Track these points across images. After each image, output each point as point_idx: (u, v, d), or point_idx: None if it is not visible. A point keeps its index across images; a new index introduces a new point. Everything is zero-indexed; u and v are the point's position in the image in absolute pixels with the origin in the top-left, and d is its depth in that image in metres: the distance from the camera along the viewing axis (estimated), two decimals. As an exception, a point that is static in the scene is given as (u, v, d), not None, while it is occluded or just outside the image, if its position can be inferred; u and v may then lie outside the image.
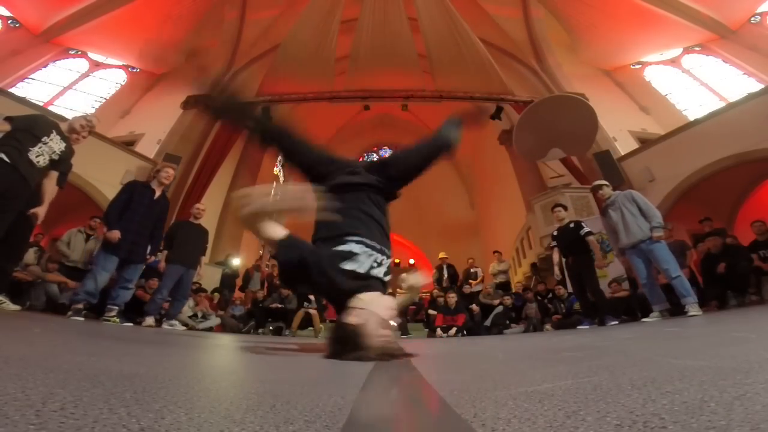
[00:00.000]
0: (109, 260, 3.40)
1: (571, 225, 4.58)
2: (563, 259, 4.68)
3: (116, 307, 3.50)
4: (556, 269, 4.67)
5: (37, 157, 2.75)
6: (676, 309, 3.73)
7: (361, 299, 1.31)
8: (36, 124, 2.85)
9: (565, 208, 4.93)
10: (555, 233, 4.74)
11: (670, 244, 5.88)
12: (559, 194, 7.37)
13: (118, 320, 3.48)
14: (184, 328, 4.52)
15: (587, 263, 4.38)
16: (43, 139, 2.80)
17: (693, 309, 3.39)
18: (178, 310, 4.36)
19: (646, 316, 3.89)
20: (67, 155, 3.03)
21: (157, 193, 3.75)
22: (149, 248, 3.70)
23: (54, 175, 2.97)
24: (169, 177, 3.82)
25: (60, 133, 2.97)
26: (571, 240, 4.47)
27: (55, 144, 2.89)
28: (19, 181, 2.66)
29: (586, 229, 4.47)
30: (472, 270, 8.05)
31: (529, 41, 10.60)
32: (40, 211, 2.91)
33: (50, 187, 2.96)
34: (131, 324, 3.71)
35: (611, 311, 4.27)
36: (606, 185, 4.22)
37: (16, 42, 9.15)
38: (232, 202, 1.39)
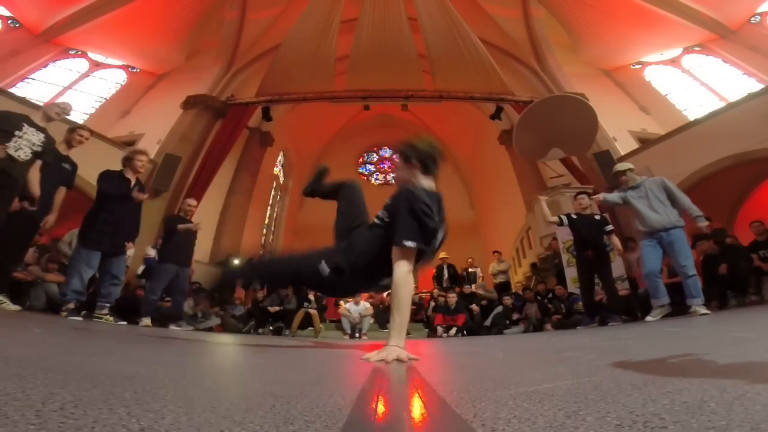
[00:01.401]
0: (92, 256, 3.29)
1: (597, 217, 4.38)
2: (580, 254, 4.48)
3: (108, 305, 3.42)
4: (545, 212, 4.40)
5: (16, 151, 2.69)
6: (680, 308, 3.67)
7: None
8: (2, 120, 2.76)
9: (590, 195, 4.61)
10: (573, 216, 4.42)
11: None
12: (559, 194, 7.38)
13: (111, 319, 3.42)
14: (191, 328, 4.46)
15: (607, 260, 4.27)
16: (16, 133, 2.73)
17: (701, 309, 3.29)
18: (181, 308, 4.28)
19: (647, 315, 3.88)
20: (48, 145, 2.97)
21: (132, 182, 3.61)
22: (129, 237, 3.62)
23: (38, 164, 2.92)
24: (144, 165, 3.71)
25: (33, 124, 2.89)
26: (592, 233, 4.27)
27: (32, 136, 2.82)
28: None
29: (611, 227, 4.31)
30: (470, 270, 8.00)
31: (529, 41, 10.60)
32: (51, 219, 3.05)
33: (34, 177, 2.90)
34: (125, 323, 3.67)
35: (618, 312, 4.20)
36: (631, 170, 3.96)
37: (16, 42, 9.14)
38: None
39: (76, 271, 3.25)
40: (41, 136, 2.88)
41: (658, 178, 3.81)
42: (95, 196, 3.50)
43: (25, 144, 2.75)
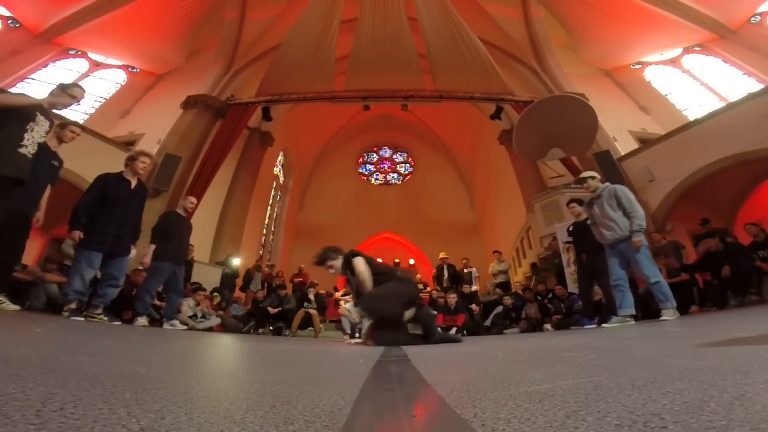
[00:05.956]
0: (93, 257, 3.26)
1: (589, 222, 4.48)
2: (577, 258, 4.54)
3: (102, 304, 3.39)
4: (572, 265, 4.61)
5: (27, 148, 2.46)
6: (656, 315, 3.58)
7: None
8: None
9: (581, 203, 4.58)
10: (571, 228, 4.54)
11: (664, 246, 5.86)
12: (559, 194, 7.37)
13: (105, 318, 3.39)
14: (185, 327, 4.47)
15: (603, 263, 4.29)
16: (28, 127, 2.48)
17: (666, 314, 3.20)
18: (175, 308, 4.26)
19: (647, 315, 3.86)
20: (46, 133, 2.71)
21: (134, 183, 3.53)
22: (132, 239, 3.57)
23: None
24: (146, 167, 3.61)
25: (43, 111, 2.63)
26: (588, 238, 4.24)
27: (41, 127, 2.58)
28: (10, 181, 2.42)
29: None
30: (465, 270, 7.75)
31: (529, 41, 10.61)
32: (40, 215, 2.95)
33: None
34: (119, 322, 3.64)
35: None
36: (592, 177, 3.91)
37: (16, 42, 9.15)
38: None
39: (77, 272, 3.23)
40: (47, 125, 2.65)
41: (612, 187, 3.72)
42: (91, 197, 3.38)
43: (36, 137, 2.53)
